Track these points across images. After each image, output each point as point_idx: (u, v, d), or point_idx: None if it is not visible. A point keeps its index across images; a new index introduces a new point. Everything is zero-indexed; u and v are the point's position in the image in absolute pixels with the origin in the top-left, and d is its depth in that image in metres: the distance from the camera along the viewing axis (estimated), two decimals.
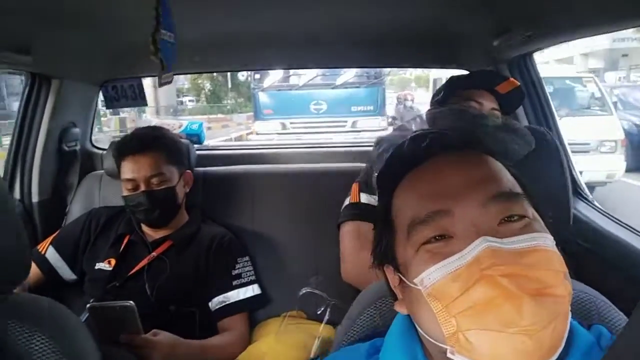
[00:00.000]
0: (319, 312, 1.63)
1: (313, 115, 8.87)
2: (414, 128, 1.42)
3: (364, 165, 1.89)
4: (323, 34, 1.68)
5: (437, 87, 1.71)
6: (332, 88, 8.75)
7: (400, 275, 0.63)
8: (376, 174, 0.74)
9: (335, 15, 1.50)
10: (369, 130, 8.42)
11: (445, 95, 1.53)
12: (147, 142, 1.57)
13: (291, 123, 8.83)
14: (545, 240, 0.55)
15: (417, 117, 1.39)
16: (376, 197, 1.46)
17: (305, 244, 1.78)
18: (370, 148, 2.02)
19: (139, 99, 2.00)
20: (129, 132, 1.71)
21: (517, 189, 0.60)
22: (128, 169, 1.55)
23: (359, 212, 1.49)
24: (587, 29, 1.10)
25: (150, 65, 1.90)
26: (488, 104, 1.46)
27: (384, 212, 0.67)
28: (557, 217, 0.62)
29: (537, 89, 1.63)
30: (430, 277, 0.55)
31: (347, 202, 1.55)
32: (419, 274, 0.57)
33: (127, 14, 1.42)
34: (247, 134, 11.31)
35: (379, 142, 1.58)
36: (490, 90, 1.46)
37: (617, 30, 1.01)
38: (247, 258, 1.67)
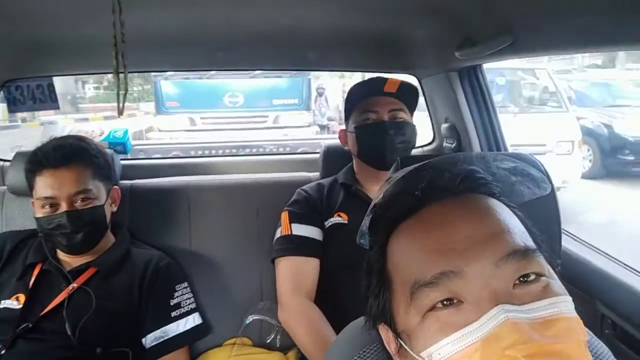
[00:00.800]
0: (268, 341, 1.53)
1: (228, 110, 7.29)
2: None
3: (307, 174, 1.82)
4: (276, 35, 1.58)
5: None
6: (250, 77, 7.14)
7: (402, 343, 0.55)
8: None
9: (282, 14, 1.41)
10: (293, 127, 7.06)
11: (347, 113, 1.57)
12: (70, 153, 1.35)
13: (201, 118, 7.19)
14: (567, 305, 0.50)
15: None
16: (308, 227, 1.45)
17: (249, 265, 1.65)
18: (313, 156, 1.95)
19: (49, 102, 1.74)
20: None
21: (531, 242, 0.54)
22: (46, 185, 1.31)
23: (293, 246, 1.45)
24: (554, 49, 1.10)
25: (61, 63, 1.70)
26: (384, 109, 1.48)
27: (379, 264, 0.59)
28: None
29: (485, 97, 1.65)
30: (441, 352, 0.49)
31: (278, 234, 1.50)
32: (426, 347, 0.50)
33: (35, 5, 1.21)
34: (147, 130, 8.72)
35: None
36: (385, 94, 1.49)
37: (591, 52, 1.01)
38: (186, 284, 1.51)
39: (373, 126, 1.47)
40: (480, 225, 0.53)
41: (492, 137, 1.67)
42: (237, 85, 7.25)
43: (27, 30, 1.44)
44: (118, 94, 0.79)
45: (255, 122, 7.17)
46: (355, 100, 1.52)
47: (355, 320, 0.74)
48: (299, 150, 2.32)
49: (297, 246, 1.44)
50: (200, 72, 6.75)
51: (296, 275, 1.42)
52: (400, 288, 0.54)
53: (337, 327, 1.29)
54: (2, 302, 1.34)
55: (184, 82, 7.24)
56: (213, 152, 3.46)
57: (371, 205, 0.64)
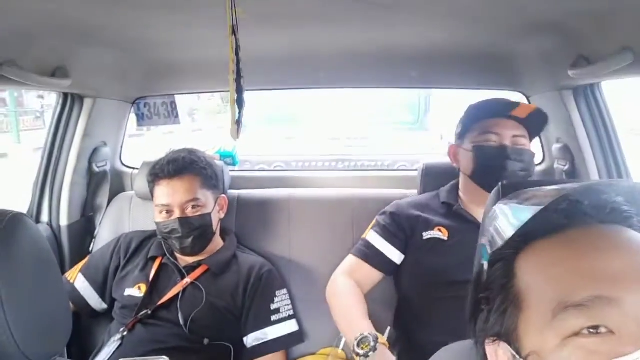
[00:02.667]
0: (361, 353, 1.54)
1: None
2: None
3: (404, 191, 1.80)
4: (379, 53, 1.60)
5: None
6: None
7: None
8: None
9: (385, 33, 1.41)
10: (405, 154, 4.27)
11: (463, 130, 1.49)
12: (182, 166, 1.50)
13: (286, 139, 5.10)
14: None
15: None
16: (386, 244, 1.47)
17: None
18: (411, 173, 1.93)
19: (172, 117, 1.93)
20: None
21: None
22: (162, 194, 1.48)
23: (365, 251, 1.51)
24: None
25: (184, 82, 1.88)
26: (507, 133, 1.40)
27: (504, 280, 0.56)
28: None
29: (604, 118, 1.51)
30: None
31: (365, 234, 1.56)
32: None
33: (162, 33, 1.36)
34: None
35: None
36: (510, 117, 1.41)
37: None
38: (285, 291, 1.59)
39: (495, 149, 1.40)
40: (638, 257, 0.49)
41: (612, 162, 1.53)
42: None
43: (154, 54, 1.62)
44: (236, 121, 0.86)
45: (353, 145, 5.12)
46: (477, 117, 1.46)
47: (452, 344, 0.73)
48: (397, 167, 2.30)
49: (368, 254, 1.50)
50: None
51: (355, 270, 1.49)
52: (536, 307, 0.51)
53: (430, 342, 1.27)
54: (127, 290, 1.51)
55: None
56: (313, 164, 3.57)
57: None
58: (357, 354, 1.22)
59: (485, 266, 0.60)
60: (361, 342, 1.23)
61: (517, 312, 0.53)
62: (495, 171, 1.38)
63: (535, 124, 1.43)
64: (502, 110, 1.42)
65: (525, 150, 1.41)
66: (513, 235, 0.56)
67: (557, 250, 0.53)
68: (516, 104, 1.41)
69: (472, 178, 1.46)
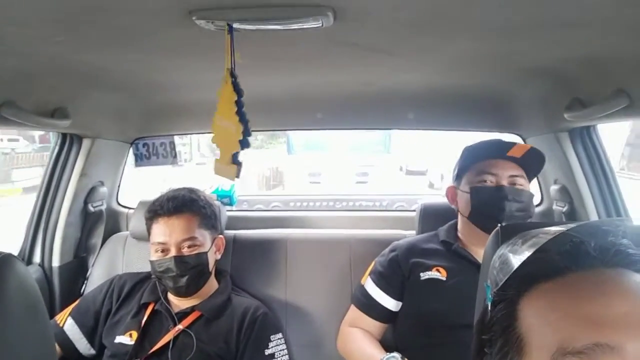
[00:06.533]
0: None
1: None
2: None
3: (402, 232, 1.78)
4: (377, 96, 1.63)
5: None
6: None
7: None
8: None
9: (383, 77, 1.43)
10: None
11: (460, 171, 1.50)
12: (181, 204, 1.48)
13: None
14: None
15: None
16: (382, 294, 1.47)
17: (340, 319, 1.62)
18: (409, 213, 1.92)
19: (169, 157, 1.94)
20: None
21: None
22: (159, 232, 1.45)
23: (364, 302, 1.52)
24: None
25: (182, 123, 1.89)
26: (504, 173, 1.41)
27: (506, 322, 0.55)
28: None
29: (600, 159, 1.52)
30: None
31: (363, 278, 1.56)
32: None
33: (162, 76, 1.38)
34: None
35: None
36: (507, 158, 1.42)
37: None
38: (280, 335, 1.54)
39: (491, 190, 1.40)
40: None
41: (611, 203, 1.52)
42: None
43: (154, 97, 1.64)
44: (235, 161, 0.86)
45: None
46: (473, 158, 1.46)
47: None
48: (395, 207, 2.31)
49: (367, 304, 1.51)
50: None
51: (358, 321, 1.51)
52: (537, 352, 0.50)
53: None
54: (117, 337, 1.46)
55: None
56: (310, 204, 3.57)
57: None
58: None
59: (489, 307, 0.58)
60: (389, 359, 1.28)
61: (518, 356, 0.52)
62: (492, 212, 1.38)
63: (532, 163, 1.44)
64: (498, 151, 1.43)
65: (523, 190, 1.40)
66: (515, 278, 0.55)
67: (558, 294, 0.52)
68: (512, 144, 1.42)
69: (470, 219, 1.45)
